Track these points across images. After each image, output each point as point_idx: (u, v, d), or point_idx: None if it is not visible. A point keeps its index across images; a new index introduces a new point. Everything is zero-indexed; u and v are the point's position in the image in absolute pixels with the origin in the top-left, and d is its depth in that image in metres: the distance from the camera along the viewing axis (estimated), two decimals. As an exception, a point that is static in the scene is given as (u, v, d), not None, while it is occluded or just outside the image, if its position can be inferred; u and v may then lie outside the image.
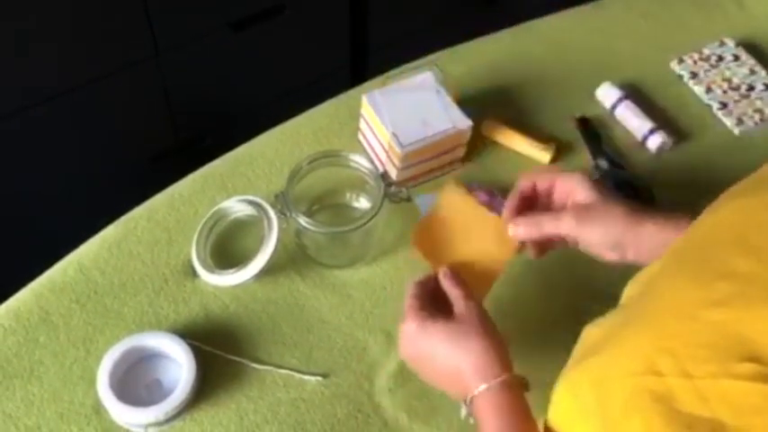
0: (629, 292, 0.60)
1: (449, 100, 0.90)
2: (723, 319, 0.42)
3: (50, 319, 0.78)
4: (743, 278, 0.43)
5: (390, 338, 0.79)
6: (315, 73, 1.59)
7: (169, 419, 0.71)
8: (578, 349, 0.59)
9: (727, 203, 0.52)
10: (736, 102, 1.02)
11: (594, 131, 0.98)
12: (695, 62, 1.07)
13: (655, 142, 0.96)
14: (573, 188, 0.74)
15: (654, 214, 0.72)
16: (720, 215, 0.51)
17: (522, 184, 0.76)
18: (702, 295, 0.44)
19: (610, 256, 0.73)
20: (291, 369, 0.76)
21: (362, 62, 1.68)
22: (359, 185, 0.86)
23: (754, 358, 0.40)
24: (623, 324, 0.52)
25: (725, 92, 1.03)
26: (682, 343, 0.43)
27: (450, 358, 0.65)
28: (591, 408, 0.49)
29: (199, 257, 0.82)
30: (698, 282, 0.45)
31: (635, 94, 1.02)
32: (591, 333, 0.59)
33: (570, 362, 0.62)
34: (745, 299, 0.42)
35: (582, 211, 0.73)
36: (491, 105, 1.00)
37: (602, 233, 0.71)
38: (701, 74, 1.06)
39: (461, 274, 0.73)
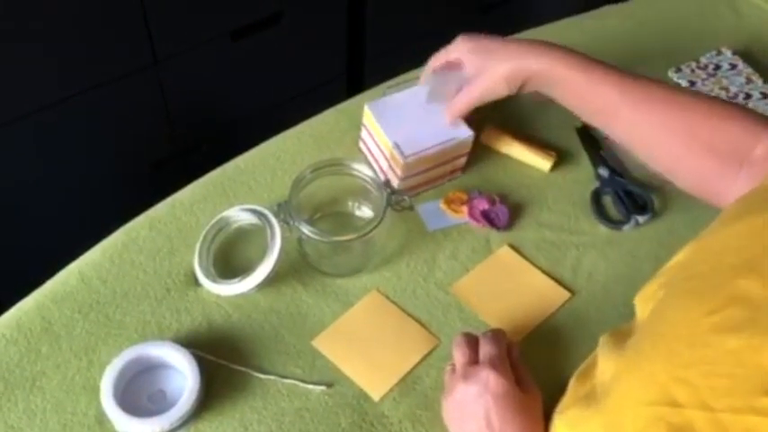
0: (640, 312, 0.60)
1: (450, 109, 0.90)
2: (738, 347, 0.41)
3: (52, 329, 0.77)
4: (754, 304, 0.42)
5: (394, 347, 0.79)
6: (312, 81, 1.59)
7: (173, 430, 0.71)
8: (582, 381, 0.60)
9: (733, 222, 0.51)
10: (733, 110, 1.03)
11: (594, 140, 0.99)
12: (693, 71, 1.08)
13: (654, 150, 0.97)
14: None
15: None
16: (727, 235, 0.50)
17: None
18: (714, 321, 0.44)
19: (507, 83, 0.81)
20: (295, 379, 0.75)
21: (359, 71, 1.68)
22: (361, 194, 0.86)
23: None
24: (635, 350, 0.51)
25: (722, 100, 1.04)
26: (698, 373, 0.42)
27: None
28: None
29: (201, 266, 0.81)
30: (708, 306, 0.45)
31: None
32: (606, 365, 0.58)
33: (572, 395, 0.63)
34: (759, 326, 0.41)
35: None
36: (491, 113, 1.00)
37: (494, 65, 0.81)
38: (699, 83, 1.06)
39: (502, 315, 0.79)
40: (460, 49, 0.85)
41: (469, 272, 0.85)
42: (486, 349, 0.70)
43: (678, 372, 0.43)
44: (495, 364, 0.67)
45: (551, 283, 0.84)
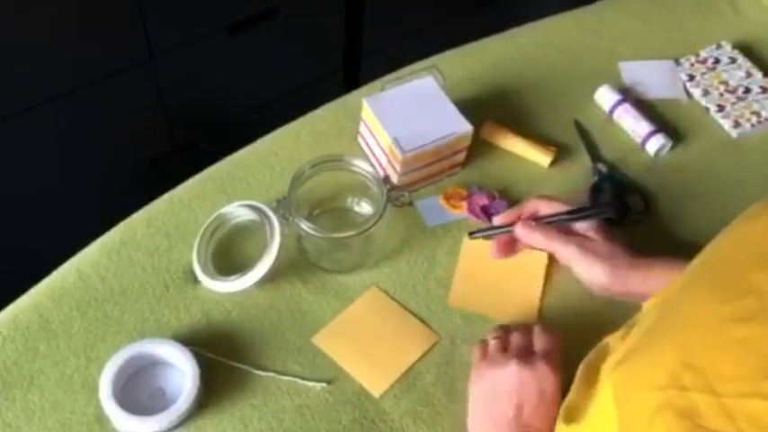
0: (648, 310, 0.60)
1: (450, 104, 0.90)
2: (749, 336, 0.42)
3: (50, 327, 0.77)
4: (767, 296, 0.43)
5: (394, 344, 0.79)
6: (309, 76, 1.59)
7: (173, 428, 0.70)
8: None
9: (752, 220, 0.52)
10: (732, 104, 1.03)
11: (589, 136, 0.98)
12: (692, 65, 1.08)
13: (653, 145, 0.97)
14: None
15: (651, 263, 0.76)
16: (745, 233, 0.51)
17: (527, 208, 0.82)
18: (726, 311, 0.44)
19: (596, 292, 0.79)
20: (295, 376, 0.75)
21: (356, 66, 1.68)
22: (360, 190, 0.86)
23: None
24: (647, 337, 0.51)
25: (722, 94, 1.04)
26: (707, 359, 0.43)
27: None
28: (611, 417, 0.49)
29: (200, 263, 0.81)
30: (722, 297, 0.45)
31: (633, 96, 1.02)
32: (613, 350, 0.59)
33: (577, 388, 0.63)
34: None
35: (586, 246, 0.78)
36: (490, 108, 1.00)
37: (597, 275, 0.77)
38: (699, 76, 1.06)
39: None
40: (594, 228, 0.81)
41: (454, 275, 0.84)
42: (543, 343, 0.70)
43: (687, 357, 0.44)
44: (551, 361, 0.68)
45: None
